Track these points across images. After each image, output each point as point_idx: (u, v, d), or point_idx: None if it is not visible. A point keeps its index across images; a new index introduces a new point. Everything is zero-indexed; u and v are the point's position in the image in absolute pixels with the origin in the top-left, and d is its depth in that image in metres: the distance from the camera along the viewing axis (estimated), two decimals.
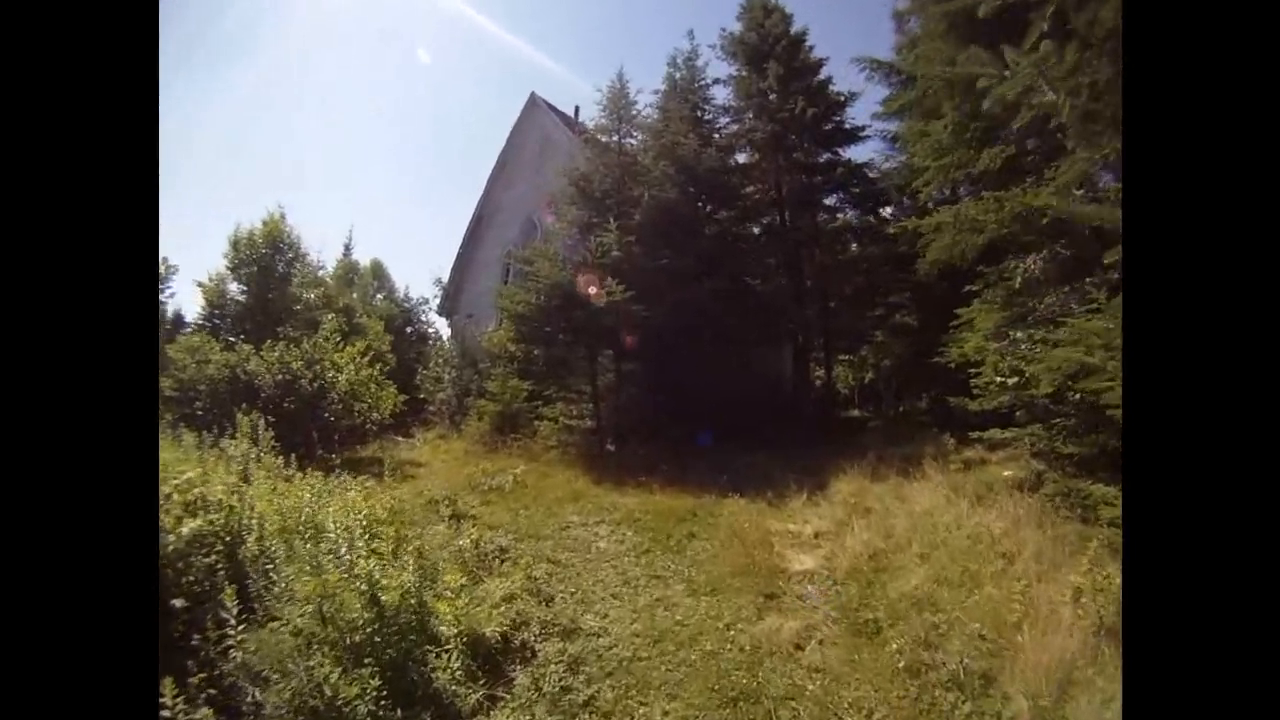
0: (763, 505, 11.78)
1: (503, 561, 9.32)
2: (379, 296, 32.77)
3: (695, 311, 16.70)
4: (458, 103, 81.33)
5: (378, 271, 34.57)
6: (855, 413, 28.23)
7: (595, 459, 16.11)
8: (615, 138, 18.77)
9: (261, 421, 11.13)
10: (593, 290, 16.07)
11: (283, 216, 21.05)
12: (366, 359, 18.99)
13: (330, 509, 7.82)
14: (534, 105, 25.65)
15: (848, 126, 21.44)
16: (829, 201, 22.04)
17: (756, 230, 21.29)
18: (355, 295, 30.70)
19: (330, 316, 20.38)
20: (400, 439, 21.21)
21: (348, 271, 32.86)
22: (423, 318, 32.19)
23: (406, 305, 32.35)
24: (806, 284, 21.00)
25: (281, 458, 10.24)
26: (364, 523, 7.72)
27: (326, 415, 16.93)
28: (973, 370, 12.33)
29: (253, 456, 9.83)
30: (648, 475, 13.93)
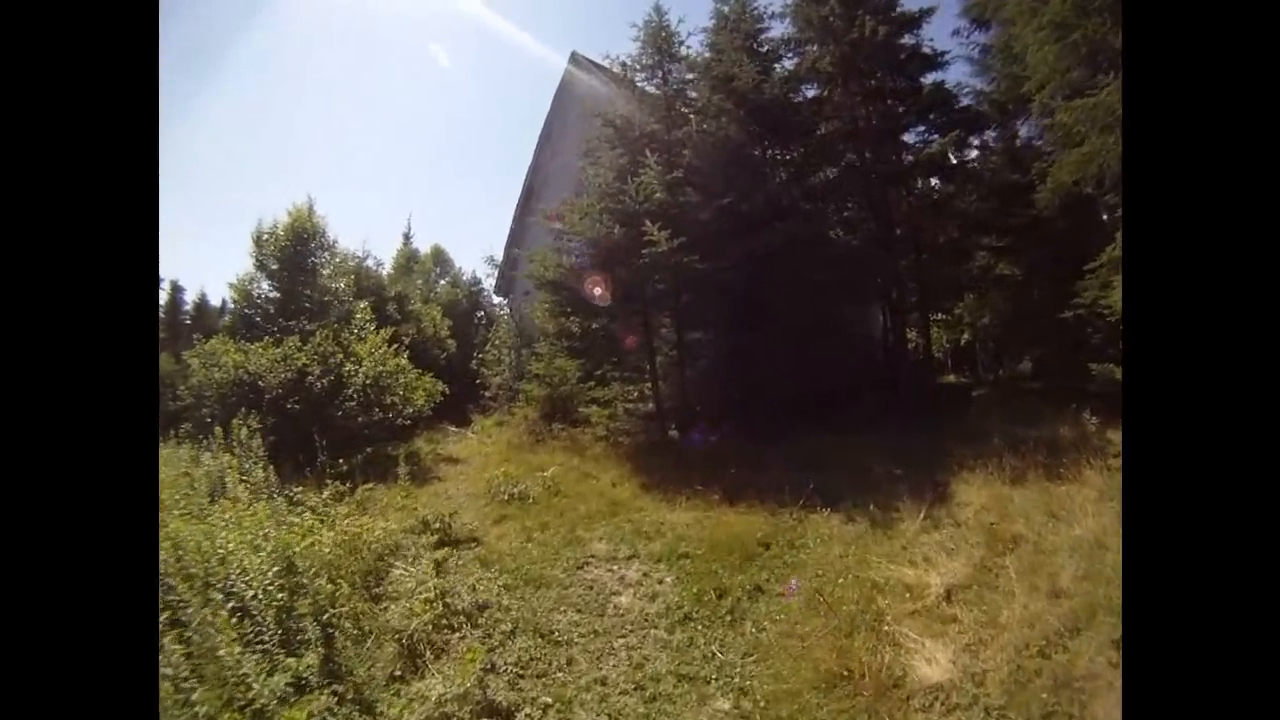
0: (862, 528, 7.90)
1: (470, 630, 6.05)
2: (442, 282, 29.28)
3: (767, 265, 12.86)
4: (497, 94, 77.15)
5: (439, 257, 31.21)
6: (951, 378, 24.24)
7: (652, 451, 12.39)
8: (658, 75, 14.92)
9: (261, 426, 9.97)
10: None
11: (310, 209, 17.66)
12: (394, 348, 15.37)
13: (265, 551, 5.82)
14: (576, 64, 21.35)
15: (926, 51, 17.26)
16: (911, 137, 18.04)
17: (833, 173, 17.04)
18: (419, 282, 27.48)
19: (362, 305, 16.96)
20: (453, 428, 18.03)
21: (408, 260, 29.41)
22: (493, 301, 28.72)
23: (473, 289, 28.76)
24: (895, 232, 17.05)
25: (265, 470, 8.27)
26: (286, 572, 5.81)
27: (339, 414, 13.41)
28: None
29: (230, 468, 8.06)
30: (711, 475, 10.12)
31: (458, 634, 5.91)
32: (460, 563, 7.62)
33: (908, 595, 5.97)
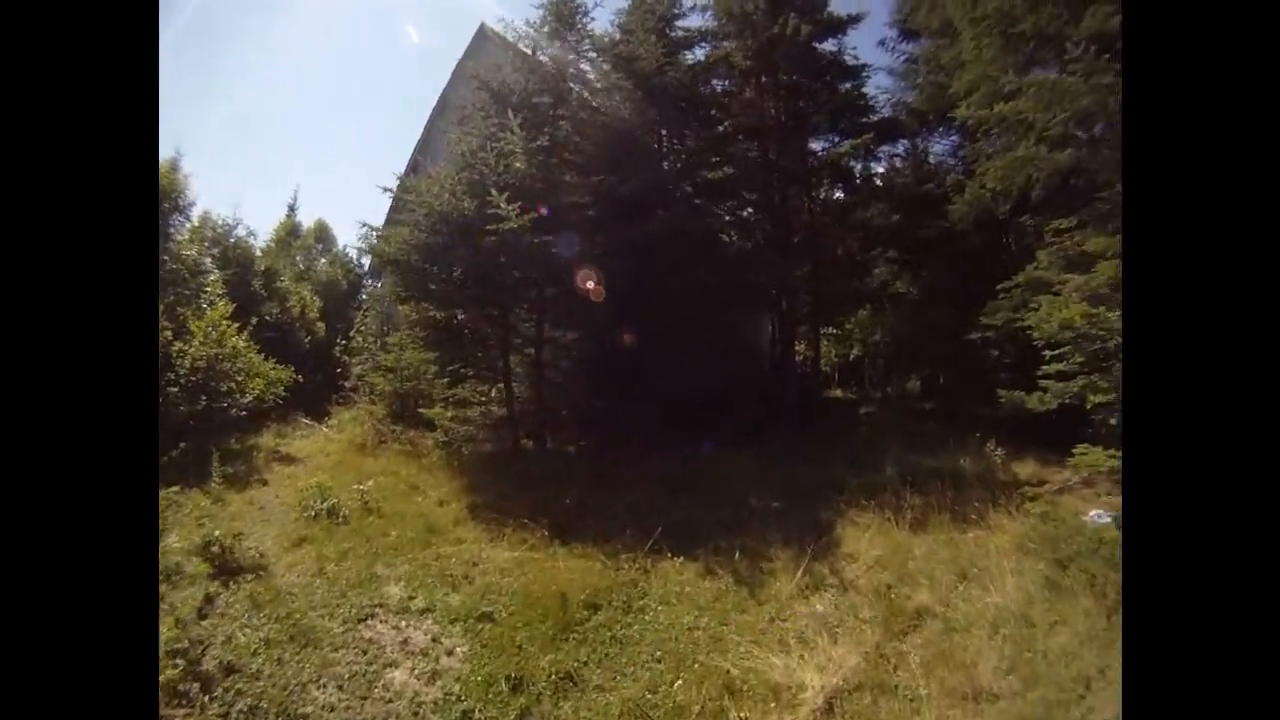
0: (724, 584, 6.17)
1: (205, 703, 4.37)
2: (322, 261, 26.40)
3: (649, 258, 11.13)
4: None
5: (322, 233, 27.79)
6: (838, 392, 23.38)
7: (494, 464, 10.35)
8: (555, 44, 12.82)
9: None
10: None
11: (174, 164, 14.99)
12: (234, 326, 12.91)
13: None
14: (484, 38, 19.04)
15: (848, 58, 15.93)
16: (822, 145, 16.62)
17: (732, 170, 15.01)
18: (298, 258, 24.74)
19: (213, 278, 14.47)
20: (306, 421, 15.39)
21: (289, 233, 26.36)
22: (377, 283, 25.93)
23: (354, 270, 25.96)
24: (793, 239, 15.65)
25: None
26: None
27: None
28: (1051, 351, 8.14)
29: None
30: (555, 498, 8.28)
31: (186, 709, 4.25)
32: (230, 601, 5.76)
33: (773, 702, 4.23)
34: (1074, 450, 7.31)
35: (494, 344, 11.15)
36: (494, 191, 9.11)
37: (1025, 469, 9.39)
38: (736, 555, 6.38)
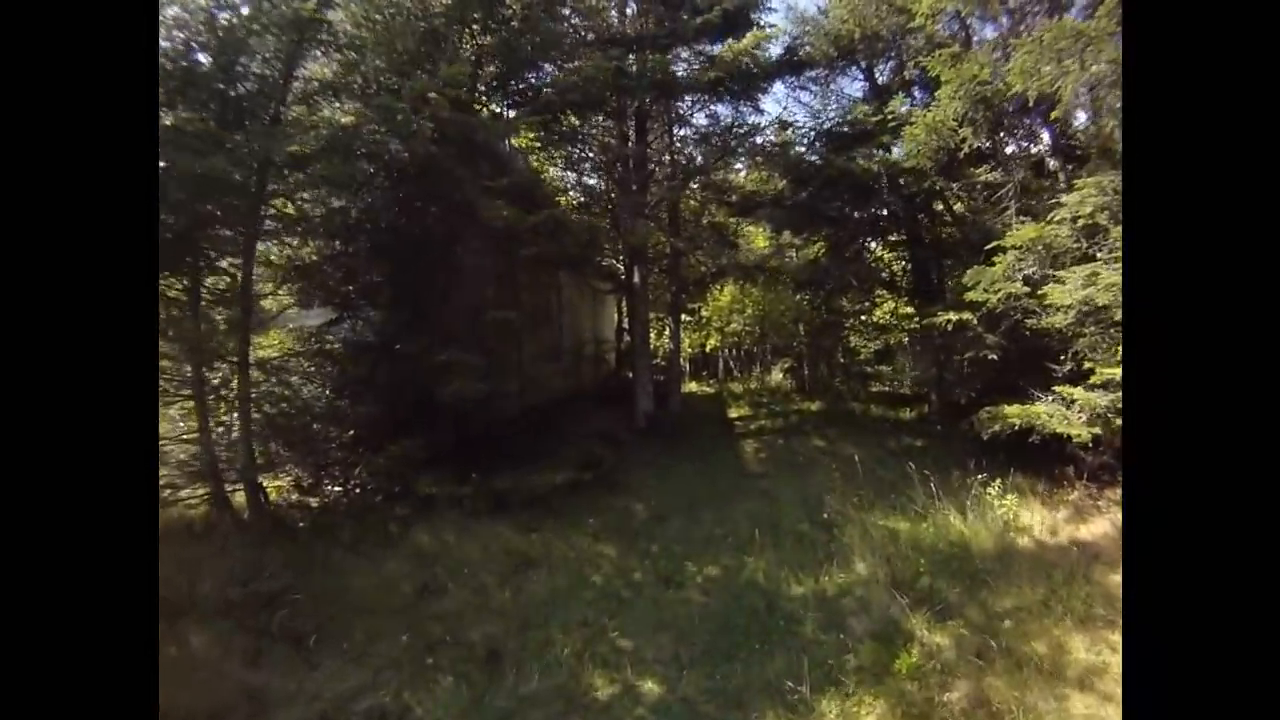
0: None
1: None
2: None
3: (434, 194, 6.86)
4: None
5: None
6: (693, 386, 18.69)
7: (166, 538, 5.23)
8: None
9: None
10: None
11: None
12: None
13: None
14: None
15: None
16: (690, 67, 11.64)
17: (571, 87, 9.91)
18: None
19: None
20: None
21: None
22: None
23: None
24: (649, 197, 11.30)
25: None
26: None
27: None
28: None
29: None
30: (176, 670, 4.01)
31: None
32: None
33: None
34: None
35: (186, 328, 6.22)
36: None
37: (1034, 518, 5.66)
38: None
